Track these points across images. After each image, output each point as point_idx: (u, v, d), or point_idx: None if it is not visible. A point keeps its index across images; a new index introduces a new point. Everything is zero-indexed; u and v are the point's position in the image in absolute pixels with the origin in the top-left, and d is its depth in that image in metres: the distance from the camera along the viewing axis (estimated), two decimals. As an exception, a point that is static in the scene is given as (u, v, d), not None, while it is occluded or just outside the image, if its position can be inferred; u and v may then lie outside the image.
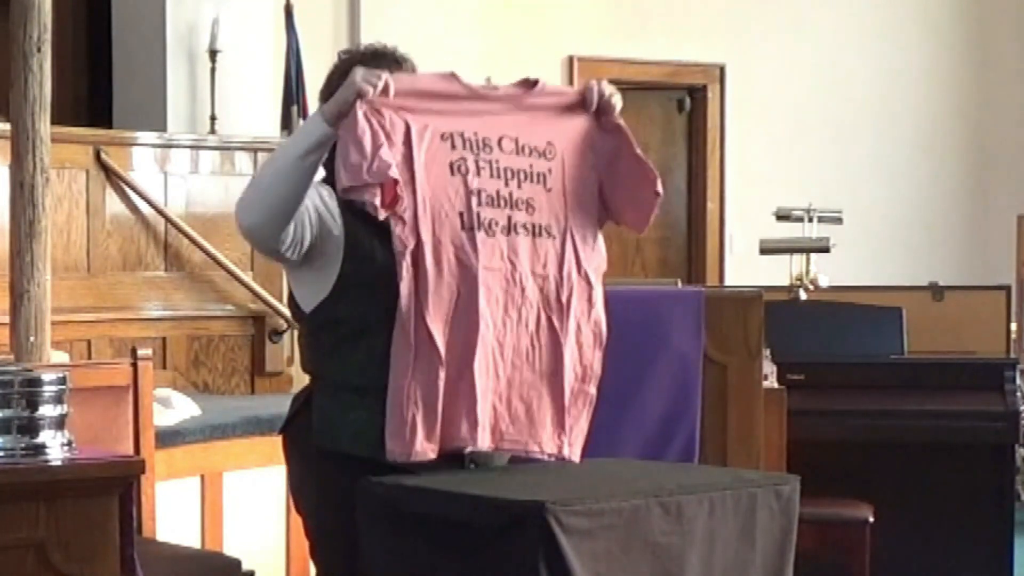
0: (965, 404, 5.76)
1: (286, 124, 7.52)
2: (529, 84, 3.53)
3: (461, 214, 3.38)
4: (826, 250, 6.39)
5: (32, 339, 4.57)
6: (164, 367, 6.71)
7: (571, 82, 9.11)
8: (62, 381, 3.41)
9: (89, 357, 6.35)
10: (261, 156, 7.34)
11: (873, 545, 5.35)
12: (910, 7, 10.08)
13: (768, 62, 9.60)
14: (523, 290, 3.43)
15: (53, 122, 4.68)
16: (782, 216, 6.72)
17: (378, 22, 8.09)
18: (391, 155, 3.27)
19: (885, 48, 9.99)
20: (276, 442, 5.52)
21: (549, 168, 3.47)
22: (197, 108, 7.44)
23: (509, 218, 3.41)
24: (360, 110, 3.26)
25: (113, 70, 7.83)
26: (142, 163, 7.00)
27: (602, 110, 3.54)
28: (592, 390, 3.53)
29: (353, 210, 3.37)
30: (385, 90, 3.31)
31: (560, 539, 3.02)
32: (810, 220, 6.63)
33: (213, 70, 7.36)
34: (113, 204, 6.85)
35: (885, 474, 5.81)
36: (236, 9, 7.52)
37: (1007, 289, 6.50)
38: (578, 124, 3.52)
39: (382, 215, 3.29)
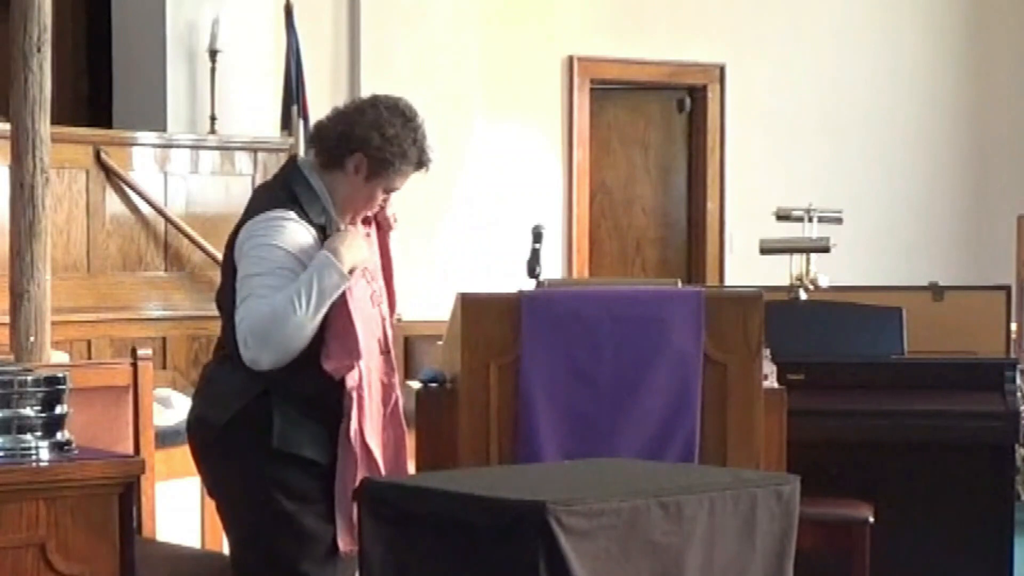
0: (965, 404, 5.75)
1: (286, 124, 7.52)
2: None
3: (379, 340, 3.86)
4: (826, 250, 6.38)
5: (32, 339, 4.57)
6: (164, 367, 6.71)
7: (571, 82, 9.10)
8: (62, 381, 3.42)
9: (89, 357, 6.36)
10: (261, 156, 7.35)
11: (873, 545, 5.35)
12: (909, 7, 10.08)
13: (768, 62, 9.60)
14: (388, 396, 3.90)
15: (53, 122, 4.68)
16: (782, 216, 6.70)
17: (378, 23, 8.09)
18: (360, 334, 3.72)
19: (884, 48, 9.99)
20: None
21: (378, 288, 3.92)
22: (197, 108, 7.44)
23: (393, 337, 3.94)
24: (349, 300, 3.71)
25: (113, 70, 7.83)
26: (142, 163, 7.00)
27: (384, 227, 3.98)
28: None
29: None
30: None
31: (560, 539, 3.02)
32: (810, 220, 6.62)
33: (213, 70, 7.36)
34: (113, 204, 6.86)
35: (885, 474, 5.80)
36: (236, 9, 7.52)
37: (1007, 289, 6.49)
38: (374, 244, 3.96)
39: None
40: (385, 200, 3.88)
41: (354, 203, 3.82)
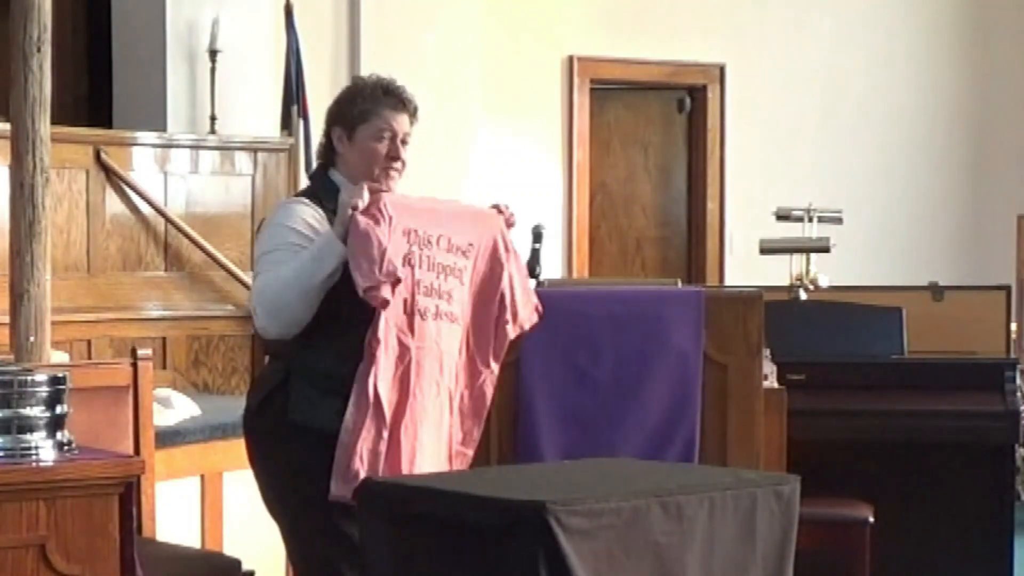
0: (965, 404, 5.76)
1: (286, 124, 7.51)
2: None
3: (405, 300, 3.86)
4: (826, 250, 6.39)
5: (32, 339, 4.56)
6: (164, 367, 6.71)
7: (571, 82, 9.10)
8: (62, 381, 3.42)
9: (89, 357, 6.35)
10: (261, 156, 7.34)
11: (873, 545, 5.35)
12: (909, 7, 10.08)
13: (768, 62, 9.60)
14: (442, 368, 3.92)
15: (53, 122, 4.67)
16: (782, 216, 6.72)
17: (378, 23, 8.09)
18: (394, 254, 3.78)
19: (885, 48, 9.99)
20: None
21: (466, 266, 3.97)
22: (197, 108, 7.43)
23: (437, 307, 3.92)
24: (360, 219, 3.76)
25: (113, 70, 7.82)
26: (142, 163, 7.00)
27: (509, 225, 4.07)
28: (469, 452, 4.02)
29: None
30: (372, 200, 3.81)
31: (560, 539, 3.02)
32: (810, 220, 6.63)
33: (213, 70, 7.35)
34: (113, 204, 6.85)
35: (885, 474, 5.81)
36: (236, 9, 7.52)
37: (1007, 289, 6.50)
38: (493, 231, 4.03)
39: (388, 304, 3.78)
40: (394, 148, 3.96)
41: (360, 166, 3.97)
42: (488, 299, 4.02)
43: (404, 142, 3.99)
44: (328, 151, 4.04)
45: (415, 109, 4.03)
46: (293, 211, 3.92)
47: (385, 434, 3.81)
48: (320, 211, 3.90)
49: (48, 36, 4.61)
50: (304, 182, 7.43)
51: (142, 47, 7.59)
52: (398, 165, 3.98)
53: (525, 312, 4.07)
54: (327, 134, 4.04)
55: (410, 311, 3.88)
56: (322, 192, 3.97)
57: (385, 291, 3.75)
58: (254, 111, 7.56)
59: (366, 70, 7.99)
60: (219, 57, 7.36)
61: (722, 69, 9.53)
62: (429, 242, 3.90)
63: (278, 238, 3.87)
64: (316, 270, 3.77)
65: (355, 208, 3.77)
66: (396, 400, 3.84)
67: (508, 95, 8.78)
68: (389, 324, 3.82)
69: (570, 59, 9.09)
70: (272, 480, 3.94)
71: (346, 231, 3.77)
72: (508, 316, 4.03)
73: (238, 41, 7.46)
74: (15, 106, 4.60)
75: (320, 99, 7.78)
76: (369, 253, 3.74)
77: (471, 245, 3.98)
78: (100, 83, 8.10)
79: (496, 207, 4.07)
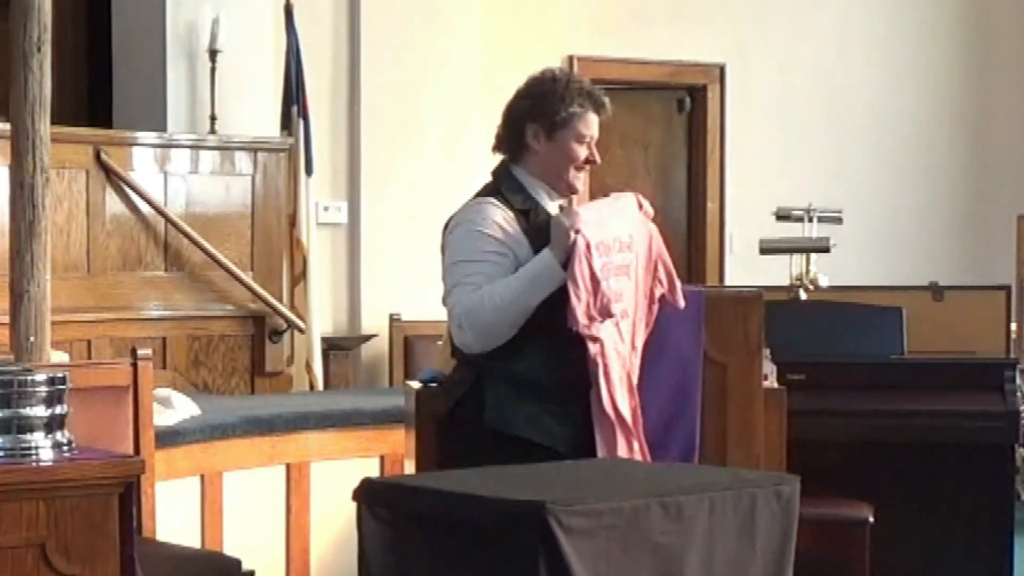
0: (965, 404, 5.75)
1: (286, 124, 7.52)
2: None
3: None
4: (826, 250, 6.38)
5: (32, 339, 4.56)
6: (164, 367, 6.71)
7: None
8: (62, 381, 3.41)
9: (89, 357, 6.36)
10: (261, 156, 7.35)
11: (873, 545, 5.35)
12: (910, 7, 10.08)
13: (768, 62, 9.60)
14: (623, 366, 3.93)
15: (53, 122, 4.67)
16: (782, 216, 6.71)
17: (378, 22, 8.08)
18: (611, 291, 3.81)
19: (885, 48, 9.99)
20: (275, 442, 5.55)
21: (631, 259, 3.98)
22: (197, 108, 7.43)
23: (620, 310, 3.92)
24: (580, 247, 3.77)
25: (113, 70, 7.82)
26: (142, 163, 7.00)
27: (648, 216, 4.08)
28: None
29: (537, 234, 3.87)
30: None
31: (560, 539, 3.02)
32: (810, 220, 6.63)
33: (213, 70, 7.35)
34: (113, 204, 6.86)
35: (885, 474, 5.80)
36: (236, 9, 7.52)
37: (1007, 289, 6.49)
38: (641, 220, 4.06)
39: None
40: (592, 152, 4.06)
41: (556, 167, 4.02)
42: (646, 284, 4.06)
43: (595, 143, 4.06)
44: (515, 147, 4.04)
45: (608, 113, 4.13)
46: (485, 213, 3.91)
47: (636, 444, 3.85)
48: (509, 211, 3.91)
49: (48, 36, 4.61)
50: (303, 181, 7.45)
51: (142, 47, 7.60)
52: (587, 167, 4.06)
53: (673, 292, 4.11)
54: (518, 130, 4.03)
55: (616, 322, 3.91)
56: (507, 191, 3.97)
57: (596, 328, 3.79)
58: (254, 111, 7.57)
59: (366, 70, 8.06)
60: (219, 57, 7.36)
61: (722, 69, 9.53)
62: (609, 248, 3.92)
63: (475, 245, 3.87)
64: (534, 295, 3.78)
65: (578, 231, 3.78)
66: (632, 407, 3.90)
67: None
68: (608, 340, 3.85)
69: (570, 59, 9.08)
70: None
71: (566, 255, 3.78)
72: (657, 293, 4.07)
73: (238, 41, 7.47)
74: (15, 106, 4.60)
75: (320, 99, 7.80)
76: (587, 286, 3.76)
77: (631, 236, 4.00)
78: (100, 83, 8.11)
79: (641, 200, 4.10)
